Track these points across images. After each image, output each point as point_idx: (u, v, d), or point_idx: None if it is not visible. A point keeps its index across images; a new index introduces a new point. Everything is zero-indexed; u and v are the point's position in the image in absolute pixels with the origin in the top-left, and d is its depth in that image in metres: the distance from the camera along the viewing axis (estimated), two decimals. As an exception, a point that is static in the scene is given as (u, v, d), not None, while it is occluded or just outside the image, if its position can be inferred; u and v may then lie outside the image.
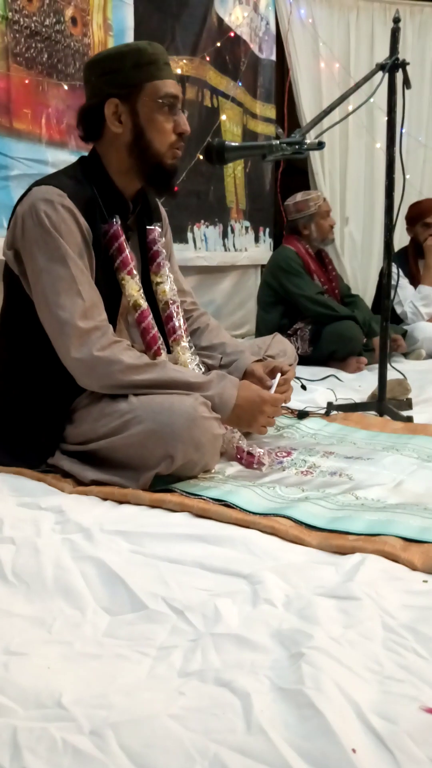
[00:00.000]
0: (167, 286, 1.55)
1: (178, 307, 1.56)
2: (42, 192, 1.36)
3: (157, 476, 1.29)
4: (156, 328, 1.49)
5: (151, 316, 1.49)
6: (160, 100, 1.39)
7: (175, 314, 1.55)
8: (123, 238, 1.44)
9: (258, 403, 1.46)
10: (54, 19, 2.27)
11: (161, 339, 1.50)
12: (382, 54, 2.60)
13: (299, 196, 3.11)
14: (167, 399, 1.31)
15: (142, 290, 1.48)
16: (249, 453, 1.45)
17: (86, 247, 1.38)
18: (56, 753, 0.61)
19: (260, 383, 1.57)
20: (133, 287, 1.46)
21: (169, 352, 1.53)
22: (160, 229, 1.58)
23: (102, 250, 1.42)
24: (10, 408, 1.44)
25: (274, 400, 1.49)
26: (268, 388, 1.54)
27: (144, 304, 1.47)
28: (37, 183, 1.41)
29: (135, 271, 1.47)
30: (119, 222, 1.44)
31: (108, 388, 1.35)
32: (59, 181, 1.39)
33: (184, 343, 1.55)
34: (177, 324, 1.55)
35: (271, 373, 1.62)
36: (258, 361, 1.66)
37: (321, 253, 3.19)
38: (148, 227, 1.56)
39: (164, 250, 1.57)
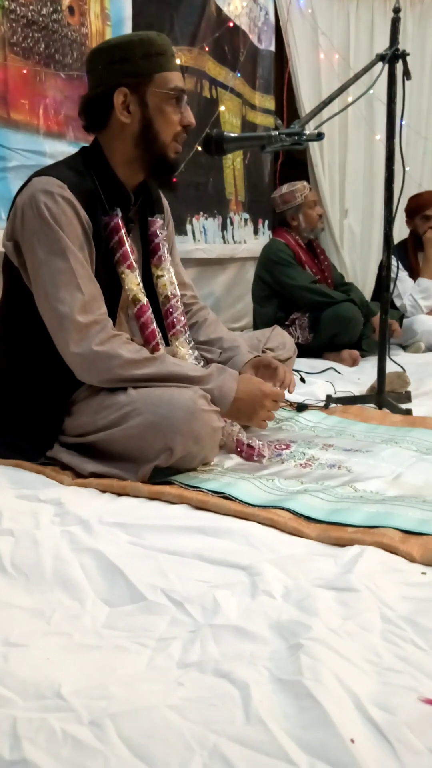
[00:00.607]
0: (168, 279, 1.55)
1: (178, 301, 1.56)
2: (42, 183, 1.35)
3: (156, 468, 1.29)
4: (155, 323, 1.48)
5: (150, 310, 1.48)
6: (169, 92, 1.39)
7: (174, 308, 1.54)
8: (123, 230, 1.43)
9: (258, 396, 1.46)
10: (51, 9, 2.25)
11: (160, 334, 1.49)
12: (382, 45, 2.59)
13: (285, 188, 3.11)
14: (166, 392, 1.30)
15: (141, 284, 1.47)
16: (249, 445, 1.45)
17: (86, 240, 1.37)
18: (56, 743, 0.61)
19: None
20: (132, 281, 1.45)
21: (167, 345, 1.52)
22: (161, 221, 1.56)
23: (102, 243, 1.41)
24: (9, 400, 1.44)
25: (275, 394, 1.49)
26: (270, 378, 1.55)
27: (143, 298, 1.47)
28: (37, 173, 1.39)
29: (135, 265, 1.46)
30: (120, 214, 1.43)
31: (107, 383, 1.35)
32: (59, 172, 1.38)
33: (183, 337, 1.54)
34: (177, 318, 1.54)
35: (265, 369, 1.61)
36: (255, 357, 1.66)
37: (312, 244, 3.20)
38: (149, 219, 1.55)
39: (166, 243, 1.56)
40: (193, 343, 1.57)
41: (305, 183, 3.18)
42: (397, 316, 3.20)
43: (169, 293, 1.54)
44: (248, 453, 1.44)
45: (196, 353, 1.56)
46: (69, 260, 1.32)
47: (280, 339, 1.83)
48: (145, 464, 1.28)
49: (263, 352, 1.71)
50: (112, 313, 1.44)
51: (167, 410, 1.27)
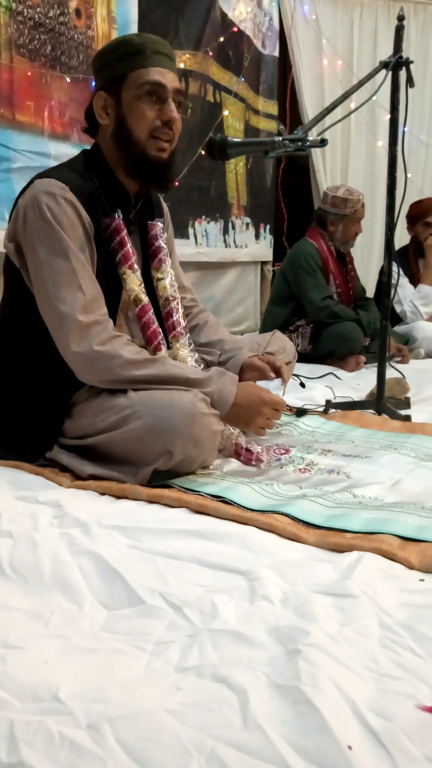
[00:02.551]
0: (168, 282, 1.55)
1: (178, 304, 1.56)
2: (44, 184, 1.35)
3: (156, 472, 1.29)
4: (156, 323, 1.49)
5: (151, 311, 1.48)
6: (142, 88, 1.37)
7: (175, 310, 1.54)
8: (125, 232, 1.43)
9: (257, 403, 1.46)
10: (58, 11, 2.26)
11: (162, 334, 1.50)
12: (385, 52, 2.59)
13: (341, 191, 2.99)
14: (166, 395, 1.31)
15: (143, 285, 1.48)
16: (248, 450, 1.45)
17: (88, 241, 1.37)
18: (53, 746, 0.61)
19: (261, 374, 1.57)
20: (134, 282, 1.45)
21: (169, 348, 1.52)
22: (161, 225, 1.57)
23: (103, 244, 1.41)
24: (8, 401, 1.44)
25: (275, 402, 1.48)
26: (270, 379, 1.55)
27: (145, 298, 1.47)
28: (40, 175, 1.40)
29: (136, 266, 1.47)
30: (121, 216, 1.43)
31: (108, 383, 1.35)
32: (61, 174, 1.39)
33: (184, 339, 1.55)
34: (177, 320, 1.54)
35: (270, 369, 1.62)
36: (255, 356, 1.66)
37: (342, 251, 3.12)
38: (149, 222, 1.55)
39: (166, 246, 1.56)
40: (193, 345, 1.58)
41: (361, 196, 3.03)
42: (404, 341, 3.17)
43: (169, 296, 1.54)
44: (247, 457, 1.44)
45: (197, 356, 1.56)
46: (71, 260, 1.33)
47: (281, 343, 1.84)
48: (145, 467, 1.28)
49: (263, 356, 1.72)
50: (112, 314, 1.44)
51: (167, 413, 1.27)
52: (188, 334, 1.57)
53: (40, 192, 1.34)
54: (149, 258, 1.55)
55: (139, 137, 1.39)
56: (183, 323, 1.55)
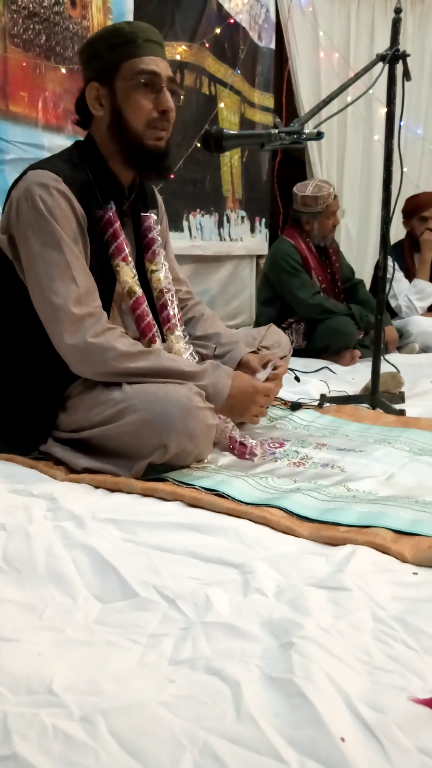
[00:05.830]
0: (162, 274, 1.54)
1: (172, 296, 1.55)
2: (37, 176, 1.35)
3: (150, 465, 1.29)
4: (151, 316, 1.48)
5: (146, 303, 1.48)
6: (136, 78, 1.35)
7: (169, 303, 1.54)
8: (118, 224, 1.43)
9: (251, 393, 1.46)
10: (53, 1, 2.24)
11: (156, 326, 1.49)
12: (382, 45, 2.58)
13: (309, 189, 2.96)
14: (161, 388, 1.30)
15: (137, 277, 1.47)
16: (241, 443, 1.45)
17: (81, 233, 1.37)
18: (47, 738, 0.61)
19: (254, 375, 1.57)
20: (127, 274, 1.45)
21: (163, 340, 1.52)
22: (156, 217, 1.56)
23: (96, 236, 1.40)
24: (2, 393, 1.43)
25: (267, 390, 1.49)
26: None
27: (139, 290, 1.46)
28: (32, 167, 1.39)
29: (130, 258, 1.46)
30: (114, 207, 1.42)
31: (101, 375, 1.34)
32: (54, 165, 1.38)
33: (179, 332, 1.54)
34: (171, 312, 1.54)
35: (265, 366, 1.62)
36: (252, 352, 1.66)
37: (324, 246, 3.10)
38: (143, 214, 1.54)
39: (159, 238, 1.56)
40: (188, 337, 1.57)
41: (332, 190, 3.00)
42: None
43: (163, 288, 1.54)
44: (240, 451, 1.44)
45: (192, 348, 1.56)
46: (64, 252, 1.32)
47: (276, 337, 1.83)
48: (139, 461, 1.28)
49: (258, 350, 1.72)
50: (106, 307, 1.44)
51: (162, 407, 1.27)
52: (183, 327, 1.57)
53: (33, 183, 1.33)
54: (143, 250, 1.54)
55: (137, 128, 1.38)
56: (177, 315, 1.55)
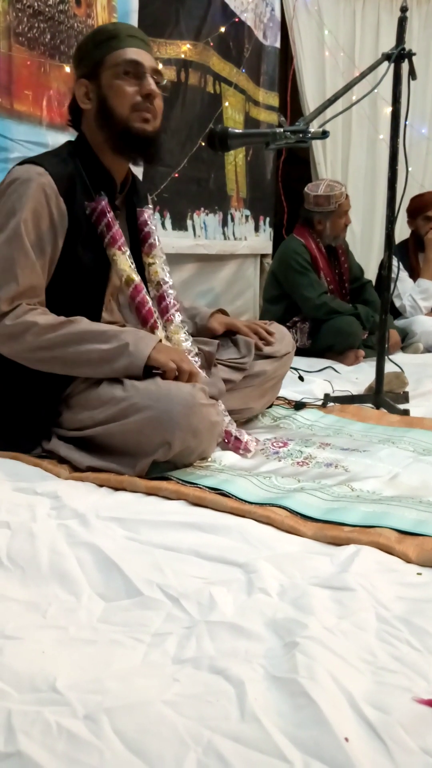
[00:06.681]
0: (158, 266, 1.55)
1: (170, 287, 1.56)
2: (21, 170, 1.38)
3: (154, 463, 1.29)
4: (150, 303, 1.49)
5: (144, 290, 1.48)
6: (119, 67, 1.39)
7: (167, 294, 1.55)
8: (111, 214, 1.44)
9: (179, 351, 1.42)
10: (57, -1, 2.23)
11: (157, 313, 1.49)
12: (387, 44, 2.57)
13: (322, 189, 2.97)
14: (164, 385, 1.30)
15: (134, 265, 1.48)
16: (236, 438, 1.46)
17: (51, 229, 1.37)
18: (50, 736, 0.61)
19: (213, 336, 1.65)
20: (124, 263, 1.45)
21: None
22: (150, 211, 1.58)
23: (84, 228, 1.41)
24: (2, 391, 1.44)
25: (192, 374, 1.39)
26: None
27: (137, 278, 1.47)
28: (20, 162, 1.43)
29: (125, 248, 1.46)
30: (106, 198, 1.44)
31: (30, 352, 1.34)
32: (41, 159, 1.41)
33: (177, 322, 1.54)
34: (169, 303, 1.54)
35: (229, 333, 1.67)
36: (218, 311, 1.74)
37: (334, 246, 3.10)
38: (138, 209, 1.56)
39: (155, 232, 1.57)
40: (187, 327, 1.57)
41: (343, 189, 3.02)
42: (401, 335, 3.19)
43: (161, 279, 1.55)
44: (235, 445, 1.45)
45: (191, 339, 1.56)
46: (13, 249, 1.33)
47: (278, 335, 1.81)
48: (143, 458, 1.28)
49: (258, 348, 1.71)
50: (99, 298, 1.45)
51: (166, 405, 1.27)
52: (181, 316, 1.57)
53: (14, 178, 1.37)
54: (139, 243, 1.55)
55: (122, 113, 1.40)
56: (175, 306, 1.55)
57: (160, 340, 1.42)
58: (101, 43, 1.41)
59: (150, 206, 1.60)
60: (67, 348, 1.33)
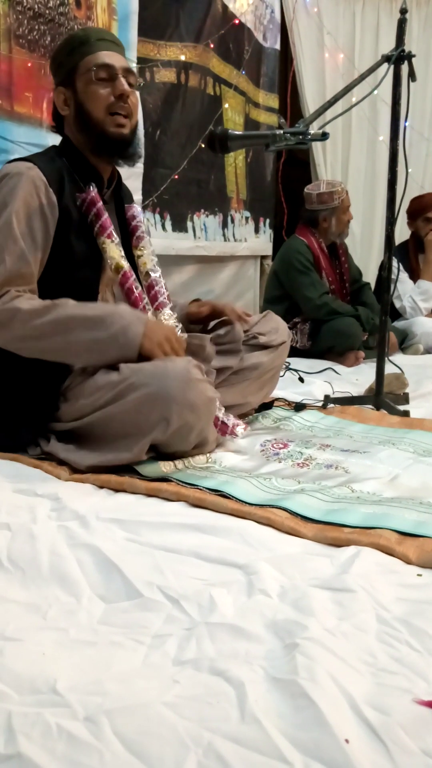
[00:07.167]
0: (147, 256, 1.58)
1: (160, 276, 1.58)
2: (10, 167, 1.42)
3: (152, 448, 1.30)
4: (140, 289, 1.51)
5: (134, 277, 1.51)
6: (91, 72, 1.43)
7: (156, 282, 1.56)
8: (101, 203, 1.46)
9: (166, 330, 1.42)
10: (58, 1, 2.24)
11: (146, 299, 1.52)
12: (387, 46, 2.58)
13: (323, 187, 3.01)
14: (159, 364, 1.32)
15: (123, 252, 1.50)
16: (223, 422, 1.48)
17: (42, 220, 1.38)
18: (51, 738, 0.61)
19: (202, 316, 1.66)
20: (113, 250, 1.47)
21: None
22: (139, 207, 1.62)
23: (75, 218, 1.43)
24: (2, 385, 1.44)
25: (179, 339, 1.44)
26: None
27: (126, 265, 1.49)
28: (10, 161, 1.46)
29: (115, 235, 1.48)
30: (95, 189, 1.46)
31: (17, 341, 1.34)
32: (31, 157, 1.45)
33: (168, 310, 1.55)
34: (159, 291, 1.56)
35: (210, 318, 1.68)
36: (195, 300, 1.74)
37: (335, 244, 3.12)
38: (126, 205, 1.60)
39: (144, 224, 1.59)
40: (177, 315, 1.58)
41: (343, 185, 3.07)
42: (401, 337, 3.20)
43: (150, 269, 1.57)
44: (222, 429, 1.46)
45: (181, 326, 1.57)
46: (1, 236, 1.35)
47: (273, 324, 1.78)
48: (141, 438, 1.29)
49: (254, 337, 1.71)
50: (94, 288, 1.46)
51: (161, 381, 1.28)
52: (171, 305, 1.58)
53: (4, 174, 1.40)
54: (129, 236, 1.58)
55: (98, 116, 1.44)
56: (165, 294, 1.57)
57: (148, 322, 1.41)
58: (73, 50, 1.45)
59: (136, 206, 1.63)
60: (55, 337, 1.33)
